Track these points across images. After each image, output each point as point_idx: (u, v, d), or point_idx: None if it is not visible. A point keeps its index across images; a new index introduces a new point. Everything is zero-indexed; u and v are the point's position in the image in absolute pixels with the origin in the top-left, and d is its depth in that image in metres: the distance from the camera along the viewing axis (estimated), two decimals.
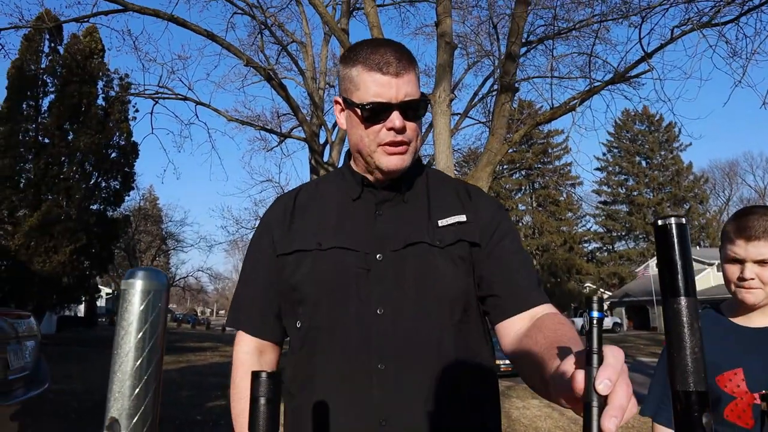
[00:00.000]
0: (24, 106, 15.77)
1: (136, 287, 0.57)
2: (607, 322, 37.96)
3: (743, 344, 1.50)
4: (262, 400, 0.61)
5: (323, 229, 1.15)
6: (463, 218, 1.15)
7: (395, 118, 1.08)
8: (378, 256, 1.10)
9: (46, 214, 14.82)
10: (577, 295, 42.53)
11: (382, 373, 1.05)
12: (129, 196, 18.64)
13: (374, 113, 1.09)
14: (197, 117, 21.64)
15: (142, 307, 0.57)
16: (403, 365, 1.06)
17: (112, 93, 17.16)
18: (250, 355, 1.21)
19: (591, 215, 54.77)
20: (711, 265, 36.58)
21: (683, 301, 0.74)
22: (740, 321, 1.55)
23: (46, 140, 15.83)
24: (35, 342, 4.02)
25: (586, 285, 45.70)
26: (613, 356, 0.64)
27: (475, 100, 16.39)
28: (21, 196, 15.24)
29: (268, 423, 0.60)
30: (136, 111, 21.38)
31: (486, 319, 1.19)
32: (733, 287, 1.50)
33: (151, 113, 16.83)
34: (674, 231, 0.76)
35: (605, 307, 43.43)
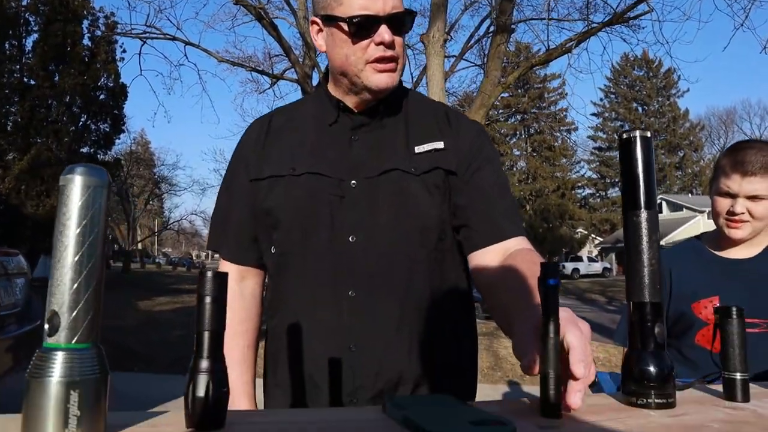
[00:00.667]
0: (7, 46, 15.31)
1: (75, 182, 0.56)
2: (597, 267, 38.54)
3: (723, 274, 1.52)
4: (207, 299, 0.61)
5: (297, 154, 1.13)
6: (440, 145, 1.12)
7: (384, 32, 1.04)
8: (352, 182, 1.08)
9: (36, 157, 14.64)
10: (569, 240, 42.99)
11: (353, 300, 1.05)
12: (119, 139, 18.38)
13: (361, 27, 1.04)
14: (186, 58, 21.15)
15: (81, 202, 0.56)
16: (375, 293, 1.06)
17: (98, 33, 16.65)
18: (230, 281, 1.21)
19: (585, 161, 54.77)
20: (702, 212, 36.91)
21: (643, 213, 0.74)
22: (721, 253, 1.56)
23: (32, 82, 15.45)
24: (25, 279, 4.05)
25: (578, 230, 46.17)
26: (576, 338, 0.65)
27: (472, 41, 16.05)
28: (9, 139, 15.01)
29: (213, 321, 0.60)
30: (124, 51, 20.76)
31: (462, 252, 1.17)
32: (721, 221, 1.49)
33: (140, 54, 16.37)
34: (638, 144, 0.75)
35: (593, 252, 44.01)
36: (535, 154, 49.48)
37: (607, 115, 54.68)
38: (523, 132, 50.24)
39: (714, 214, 1.52)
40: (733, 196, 1.44)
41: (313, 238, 1.08)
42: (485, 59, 12.59)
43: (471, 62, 17.10)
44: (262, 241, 1.17)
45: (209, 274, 0.61)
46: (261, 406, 1.16)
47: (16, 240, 14.91)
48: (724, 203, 1.47)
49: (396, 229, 1.07)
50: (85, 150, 16.47)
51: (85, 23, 16.45)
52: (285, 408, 1.08)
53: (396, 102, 1.17)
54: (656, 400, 0.67)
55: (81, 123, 16.25)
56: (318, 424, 0.61)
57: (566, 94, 46.67)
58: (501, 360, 7.95)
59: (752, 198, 1.43)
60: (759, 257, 1.51)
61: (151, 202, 42.57)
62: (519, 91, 46.51)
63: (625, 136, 0.76)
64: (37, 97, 15.20)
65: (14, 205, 14.63)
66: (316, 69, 14.81)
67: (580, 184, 53.14)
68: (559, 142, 49.56)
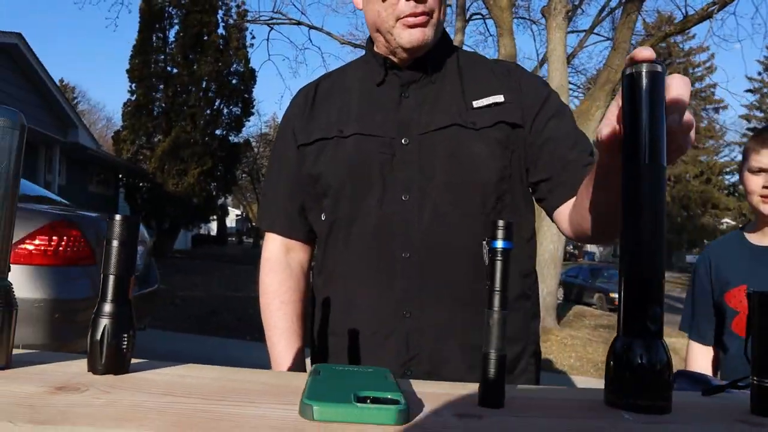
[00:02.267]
0: (154, 38, 16.84)
1: None
2: None
3: (753, 260, 1.50)
4: (115, 243, 0.57)
5: (345, 116, 1.09)
6: (500, 98, 1.04)
7: None
8: (404, 140, 1.03)
9: (176, 139, 16.05)
10: (712, 231, 39.18)
11: (407, 262, 0.99)
12: (249, 121, 19.58)
13: None
14: (311, 41, 21.93)
15: None
16: (430, 253, 0.99)
17: (231, 21, 17.77)
18: (276, 252, 1.18)
19: (736, 143, 49.23)
20: None
21: (645, 168, 0.58)
22: (755, 239, 1.54)
23: (174, 70, 16.89)
24: (145, 247, 4.43)
25: (723, 221, 41.89)
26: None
27: (603, 14, 15.03)
28: (155, 122, 16.58)
29: (119, 265, 0.57)
30: (253, 38, 22.12)
31: (529, 215, 1.09)
32: (756, 199, 1.48)
33: (267, 39, 17.27)
34: (644, 81, 0.60)
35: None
36: None
37: (766, 91, 48.63)
38: None
39: (748, 193, 1.51)
40: (766, 170, 1.45)
41: (363, 201, 1.03)
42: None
43: (603, 36, 16.04)
44: (311, 209, 1.14)
45: (117, 217, 0.58)
46: None
47: (161, 216, 16.53)
48: (757, 181, 1.47)
49: (452, 187, 1.01)
50: (218, 132, 17.74)
51: (220, 13, 17.62)
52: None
53: (445, 57, 1.11)
54: (641, 402, 0.54)
55: (215, 107, 17.48)
56: (228, 383, 0.56)
57: (715, 68, 42.21)
58: None
59: None
60: None
61: None
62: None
63: (628, 71, 0.62)
64: (178, 84, 16.59)
65: (158, 183, 16.18)
66: None
67: (728, 169, 47.99)
68: (705, 122, 45.00)
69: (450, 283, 0.98)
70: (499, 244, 0.54)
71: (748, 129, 49.15)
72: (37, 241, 3.18)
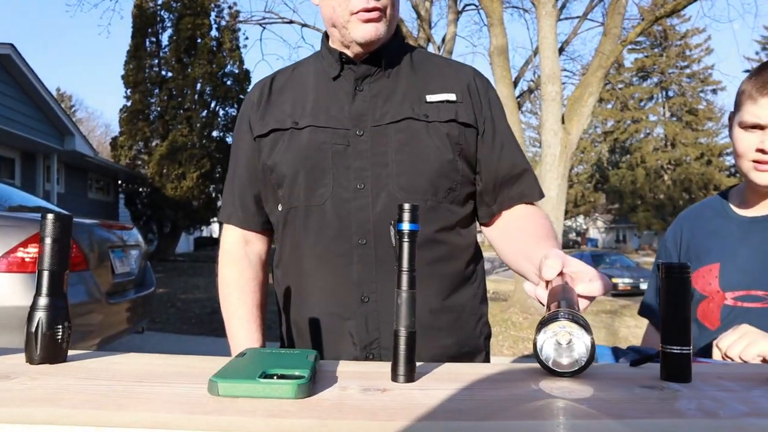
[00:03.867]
0: (147, 43, 16.87)
1: None
2: None
3: (733, 236, 1.21)
4: (48, 240, 0.60)
5: (300, 109, 1.12)
6: (453, 97, 1.09)
7: None
8: (358, 131, 1.06)
9: (173, 142, 16.09)
10: None
11: (363, 248, 1.03)
12: None
13: None
14: (304, 40, 21.85)
15: None
16: (384, 240, 1.03)
17: (223, 23, 17.78)
18: (234, 244, 1.21)
19: None
20: None
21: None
22: (742, 210, 1.23)
23: (169, 74, 16.92)
24: (139, 251, 4.46)
25: None
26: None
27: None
28: (152, 127, 16.62)
29: (53, 261, 0.60)
30: (246, 39, 22.03)
31: (471, 207, 1.14)
32: (746, 163, 1.14)
33: (260, 39, 17.26)
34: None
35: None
36: (674, 118, 45.28)
37: None
38: (660, 96, 46.11)
39: (737, 156, 1.17)
40: (763, 127, 1.10)
41: (318, 190, 1.07)
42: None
43: (597, 22, 16.01)
44: (268, 200, 1.17)
45: (50, 216, 0.61)
46: None
47: (162, 219, 16.58)
48: (750, 139, 1.12)
49: (405, 176, 1.05)
50: (215, 134, 17.76)
51: (212, 15, 17.63)
52: None
53: (399, 53, 1.15)
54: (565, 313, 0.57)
55: (210, 109, 17.50)
56: (152, 367, 0.58)
57: (711, 50, 41.97)
58: (621, 340, 7.50)
59: None
60: None
61: None
62: (656, 50, 42.68)
63: None
64: (173, 87, 16.63)
65: (157, 187, 16.23)
66: (430, 42, 14.67)
67: (729, 150, 47.79)
68: (704, 104, 44.82)
69: None
70: (405, 226, 0.56)
71: None
72: (30, 249, 3.21)
